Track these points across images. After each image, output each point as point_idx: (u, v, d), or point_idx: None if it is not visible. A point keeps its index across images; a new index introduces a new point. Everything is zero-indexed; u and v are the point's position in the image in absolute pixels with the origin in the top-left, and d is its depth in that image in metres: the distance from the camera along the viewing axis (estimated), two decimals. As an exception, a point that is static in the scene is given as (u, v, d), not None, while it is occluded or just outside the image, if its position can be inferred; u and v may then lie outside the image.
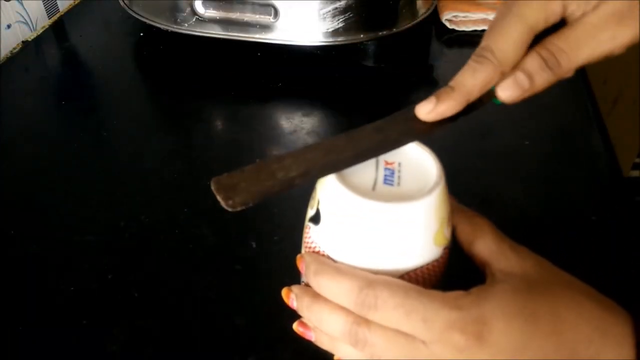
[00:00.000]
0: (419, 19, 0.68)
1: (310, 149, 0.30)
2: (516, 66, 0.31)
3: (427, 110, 0.31)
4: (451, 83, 0.31)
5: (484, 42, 0.31)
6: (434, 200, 0.28)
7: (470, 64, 0.31)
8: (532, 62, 0.31)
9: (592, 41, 0.31)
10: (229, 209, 0.28)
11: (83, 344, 0.39)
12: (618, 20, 0.30)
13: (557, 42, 0.31)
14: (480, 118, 0.60)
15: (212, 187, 0.29)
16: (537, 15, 0.31)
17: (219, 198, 0.28)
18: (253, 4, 0.62)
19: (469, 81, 0.31)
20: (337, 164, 0.29)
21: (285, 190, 0.28)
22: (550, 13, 0.31)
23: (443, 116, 0.31)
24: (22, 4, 0.73)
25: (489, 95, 0.32)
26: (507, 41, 0.31)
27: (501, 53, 0.31)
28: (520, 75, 0.31)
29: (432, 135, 0.31)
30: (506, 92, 0.31)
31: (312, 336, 0.31)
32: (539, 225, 0.47)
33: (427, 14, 0.70)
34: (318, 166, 0.29)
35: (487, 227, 0.30)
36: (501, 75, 0.31)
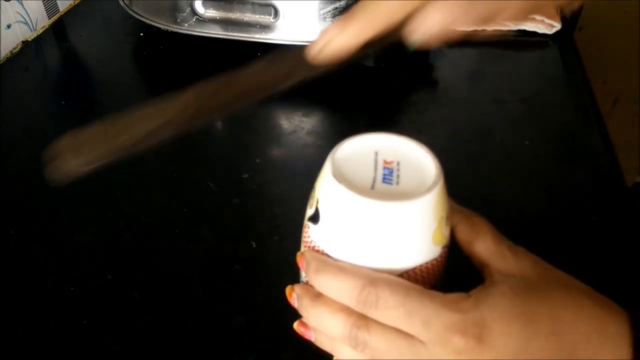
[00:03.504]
0: (419, 19, 0.68)
1: (181, 93, 0.26)
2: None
3: (321, 45, 0.26)
4: (356, 6, 0.26)
5: None
6: (432, 199, 0.28)
7: None
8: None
9: None
10: (77, 170, 0.26)
11: (83, 344, 0.39)
12: None
13: None
14: (480, 118, 0.60)
15: (60, 147, 0.26)
16: None
17: (65, 158, 0.25)
18: (253, 4, 0.62)
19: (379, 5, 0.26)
20: (209, 110, 0.26)
21: (146, 144, 0.25)
22: None
23: (338, 51, 0.27)
24: (22, 4, 0.73)
25: (395, 33, 0.27)
26: None
27: None
28: (432, 13, 0.26)
29: (321, 71, 0.27)
30: (419, 29, 0.26)
31: (312, 336, 0.31)
32: (539, 225, 0.47)
33: (427, 14, 0.70)
34: (186, 113, 0.25)
35: (486, 227, 0.30)
36: (414, 8, 0.26)
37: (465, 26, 0.27)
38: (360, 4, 0.26)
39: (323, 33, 0.27)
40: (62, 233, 0.47)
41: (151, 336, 0.39)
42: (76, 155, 0.25)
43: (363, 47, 0.27)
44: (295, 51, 0.27)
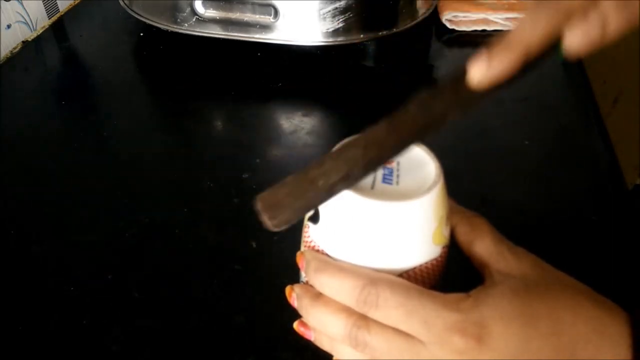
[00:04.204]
0: (419, 19, 0.68)
1: (349, 145, 0.27)
2: (589, 9, 0.25)
3: (481, 75, 0.26)
4: (507, 35, 0.26)
5: None
6: (432, 199, 0.28)
7: (530, 8, 0.26)
8: (607, 3, 0.25)
9: None
10: (274, 229, 0.27)
11: (83, 344, 0.39)
12: None
13: None
14: (480, 118, 0.60)
15: (258, 206, 0.27)
16: None
17: (264, 218, 0.27)
18: (253, 4, 0.62)
19: (528, 31, 0.26)
20: (379, 159, 0.27)
21: (328, 198, 0.27)
22: None
23: (499, 78, 0.26)
24: (22, 4, 0.73)
25: (552, 48, 0.26)
26: None
27: None
28: (593, 19, 0.25)
29: (481, 104, 0.26)
30: (577, 40, 0.25)
31: (312, 336, 0.31)
32: (539, 225, 0.47)
33: (427, 14, 0.70)
34: (359, 166, 0.27)
35: (486, 228, 0.30)
36: (567, 20, 0.25)
37: (620, 28, 0.26)
38: (518, 25, 0.26)
39: (479, 58, 0.26)
40: (62, 233, 0.47)
41: (151, 336, 0.39)
42: (273, 216, 0.26)
43: (524, 66, 0.26)
44: (453, 82, 0.27)
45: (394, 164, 0.30)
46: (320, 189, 0.27)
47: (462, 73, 0.27)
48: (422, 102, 0.27)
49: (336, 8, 0.62)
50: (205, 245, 0.46)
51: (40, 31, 0.75)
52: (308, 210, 0.27)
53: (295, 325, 0.31)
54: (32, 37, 0.73)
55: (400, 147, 0.27)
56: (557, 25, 0.25)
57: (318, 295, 0.29)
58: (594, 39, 0.26)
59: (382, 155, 0.27)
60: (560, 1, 0.25)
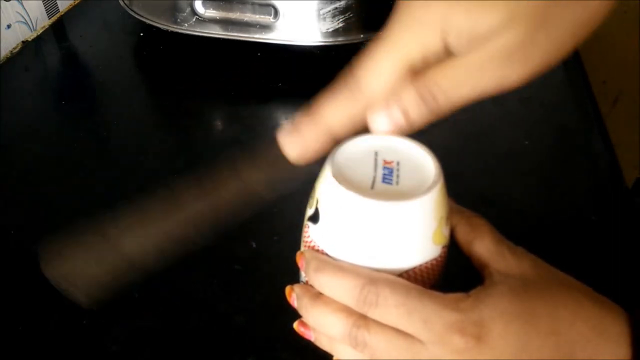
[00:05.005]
0: (419, 19, 0.68)
1: (155, 212, 0.27)
2: (391, 100, 0.28)
3: (296, 153, 0.29)
4: (312, 113, 0.29)
5: (355, 72, 0.29)
6: (432, 199, 0.28)
7: (334, 94, 0.29)
8: (407, 97, 0.28)
9: (473, 80, 0.27)
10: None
11: (83, 344, 0.39)
12: (504, 59, 0.26)
13: (436, 78, 0.28)
14: (480, 118, 0.60)
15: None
16: (411, 48, 0.27)
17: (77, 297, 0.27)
18: (253, 4, 0.62)
19: (330, 114, 0.29)
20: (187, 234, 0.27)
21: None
22: (427, 47, 0.27)
23: (311, 153, 0.29)
24: (22, 4, 0.73)
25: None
26: (377, 74, 0.28)
27: (369, 87, 0.28)
28: (394, 110, 0.28)
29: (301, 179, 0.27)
30: (379, 126, 0.29)
31: (312, 336, 0.31)
32: (539, 225, 0.47)
33: (427, 14, 0.70)
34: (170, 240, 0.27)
35: (486, 228, 0.30)
36: (366, 109, 0.29)
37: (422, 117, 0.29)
38: (321, 106, 0.29)
39: (289, 133, 0.29)
40: (62, 233, 0.47)
41: (151, 336, 0.39)
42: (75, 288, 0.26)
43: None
44: (269, 154, 0.28)
45: (394, 164, 0.30)
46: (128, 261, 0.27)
47: (276, 146, 0.28)
48: (237, 174, 0.28)
49: (336, 8, 0.62)
50: (205, 245, 0.46)
51: (40, 31, 0.75)
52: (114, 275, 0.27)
53: (295, 325, 0.31)
54: (32, 37, 0.73)
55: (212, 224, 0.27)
56: (355, 114, 0.28)
57: (318, 295, 0.29)
58: (396, 125, 0.28)
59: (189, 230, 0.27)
60: (360, 94, 0.28)
